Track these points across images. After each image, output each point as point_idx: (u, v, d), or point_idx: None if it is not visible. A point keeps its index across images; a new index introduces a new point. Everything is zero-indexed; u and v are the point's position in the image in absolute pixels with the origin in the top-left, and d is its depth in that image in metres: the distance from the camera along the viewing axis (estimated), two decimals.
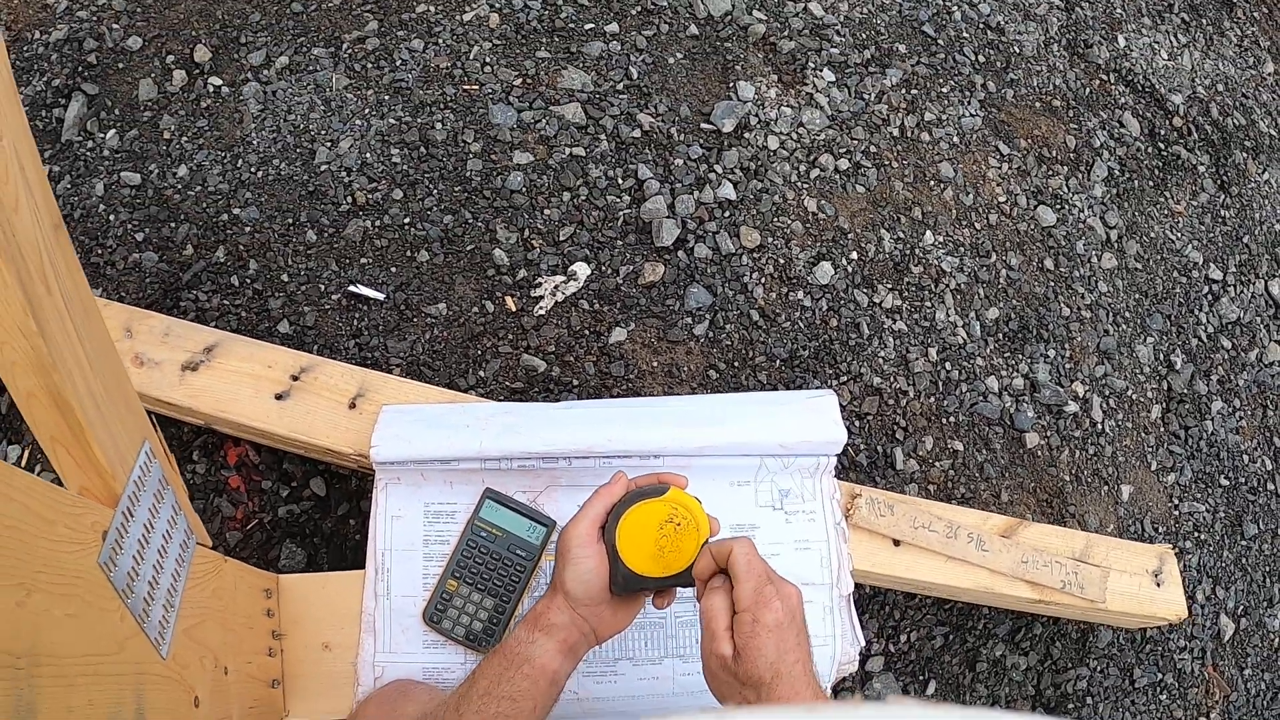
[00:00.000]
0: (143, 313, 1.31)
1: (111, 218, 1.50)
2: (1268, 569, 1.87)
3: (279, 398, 1.27)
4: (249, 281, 1.48)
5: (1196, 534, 1.80)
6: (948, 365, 1.68)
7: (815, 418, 1.21)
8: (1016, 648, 1.63)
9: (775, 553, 1.20)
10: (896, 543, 1.31)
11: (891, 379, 1.63)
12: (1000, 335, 1.74)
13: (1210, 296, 1.96)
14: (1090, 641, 1.69)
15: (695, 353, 1.56)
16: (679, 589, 0.94)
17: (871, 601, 1.52)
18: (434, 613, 1.14)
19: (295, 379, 1.29)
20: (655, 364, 1.54)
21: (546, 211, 1.58)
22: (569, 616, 0.89)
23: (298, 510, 1.38)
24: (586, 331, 1.53)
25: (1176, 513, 1.79)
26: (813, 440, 1.20)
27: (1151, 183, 2.04)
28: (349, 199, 1.53)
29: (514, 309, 1.51)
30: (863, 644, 1.22)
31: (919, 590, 1.38)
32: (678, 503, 0.90)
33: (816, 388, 1.57)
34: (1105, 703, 1.70)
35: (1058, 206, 1.90)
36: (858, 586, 1.28)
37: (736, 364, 1.57)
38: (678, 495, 0.91)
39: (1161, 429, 1.82)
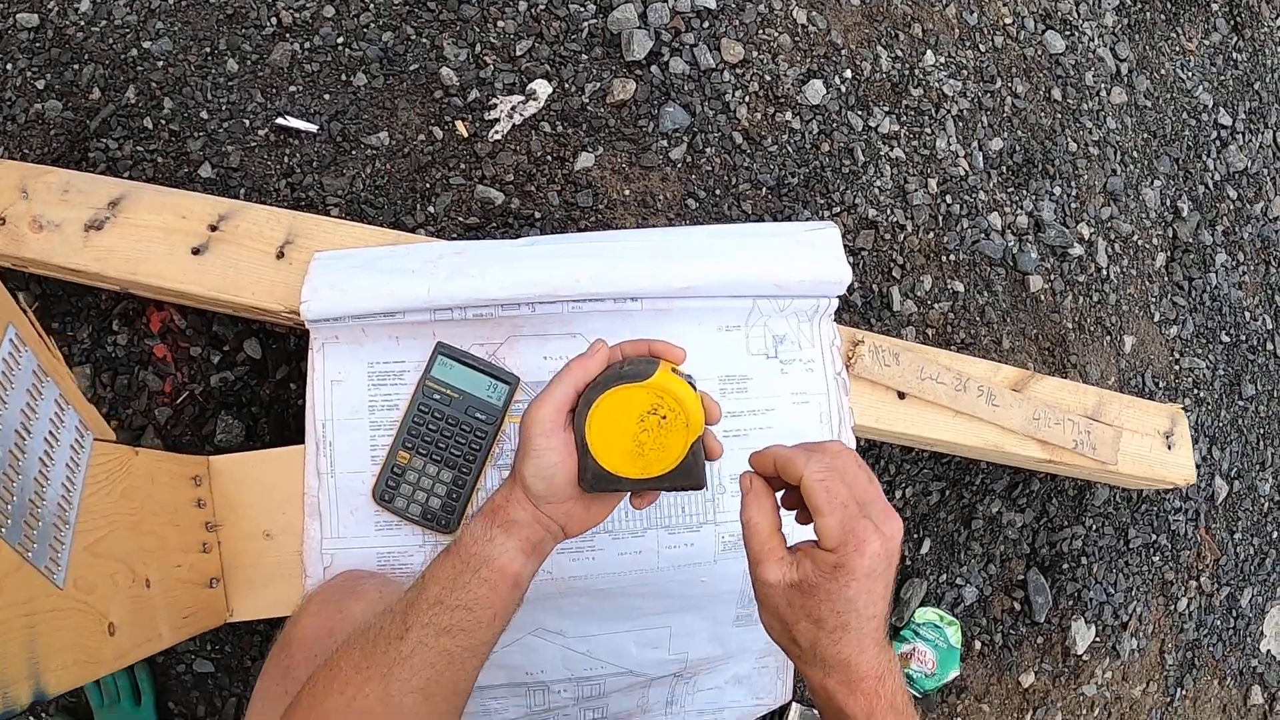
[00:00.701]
0: (38, 169, 1.11)
1: (8, 67, 1.29)
2: (1262, 431, 1.82)
3: (196, 252, 1.08)
4: (164, 123, 1.27)
5: (1196, 391, 1.73)
6: (948, 199, 1.52)
7: (815, 253, 1.05)
8: (1013, 504, 1.55)
9: (770, 407, 1.06)
10: (901, 395, 1.17)
11: (888, 211, 1.47)
12: (1004, 168, 1.58)
13: (1219, 143, 1.83)
14: (1087, 500, 1.61)
15: (672, 179, 1.38)
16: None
17: (866, 454, 1.42)
18: (385, 490, 1.00)
19: (214, 229, 1.10)
20: (627, 192, 1.36)
21: (500, 23, 1.36)
22: (530, 513, 0.74)
23: (232, 378, 1.21)
24: (549, 158, 1.34)
25: (1177, 368, 1.71)
26: (812, 279, 1.04)
27: (1164, 16, 1.86)
28: (273, 20, 1.31)
29: (466, 135, 1.32)
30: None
31: (924, 446, 1.26)
32: (664, 390, 0.71)
33: (808, 219, 1.40)
34: (1099, 563, 1.64)
35: (1067, 33, 1.71)
36: (857, 442, 1.15)
37: (718, 192, 1.40)
38: (665, 380, 0.71)
39: (1165, 279, 1.71)
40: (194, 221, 1.09)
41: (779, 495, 0.72)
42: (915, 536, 1.48)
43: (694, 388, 0.73)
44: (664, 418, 0.72)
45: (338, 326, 1.01)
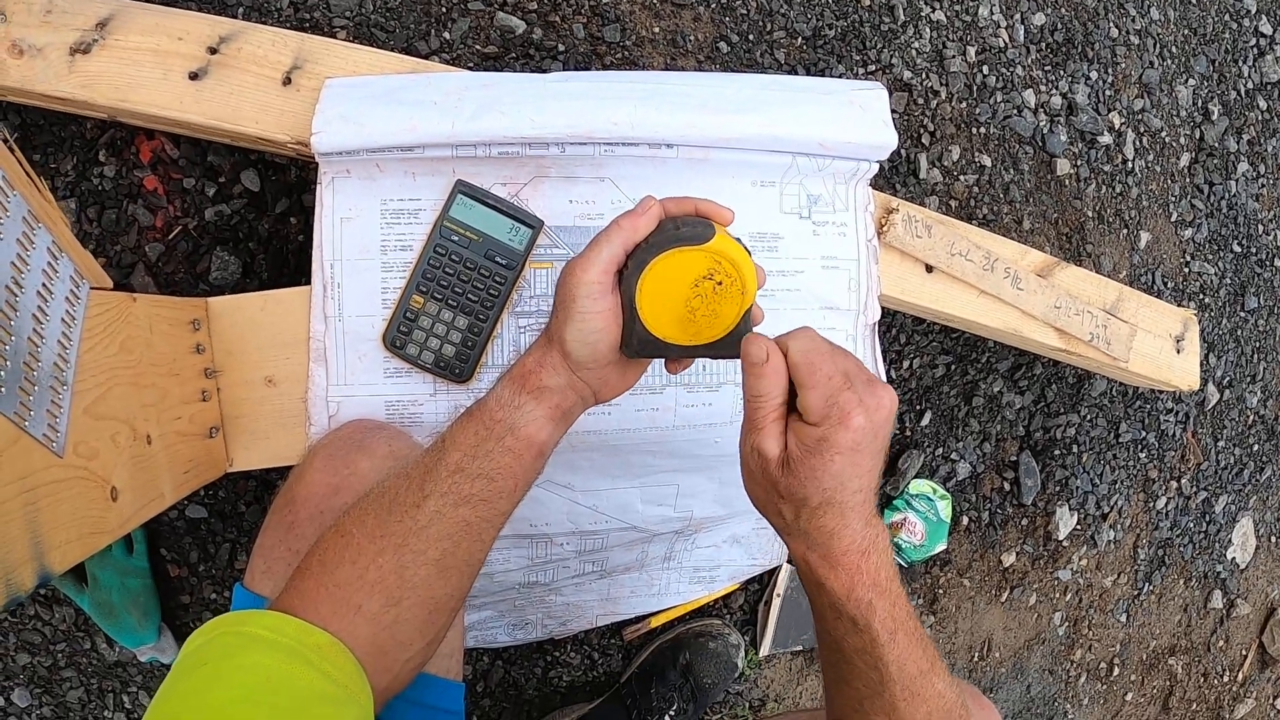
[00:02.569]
0: None
1: None
2: (1259, 345, 1.81)
3: (194, 77, 0.98)
4: None
5: (1201, 296, 1.70)
6: (985, 69, 1.43)
7: (862, 114, 0.97)
8: (1014, 385, 1.54)
9: (799, 269, 1.00)
10: (929, 269, 1.12)
11: (924, 75, 1.39)
12: (1044, 45, 1.49)
13: (1256, 50, 1.74)
14: (1085, 389, 1.60)
15: (704, 20, 1.28)
16: None
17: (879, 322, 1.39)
18: (396, 335, 0.93)
19: (213, 52, 0.99)
20: (657, 30, 1.26)
21: None
22: (566, 379, 0.69)
23: (228, 211, 1.13)
24: None
25: (1187, 270, 1.67)
26: (857, 141, 0.97)
27: None
28: None
29: None
30: (884, 379, 1.06)
31: (944, 322, 1.22)
32: (722, 255, 0.66)
33: (841, 74, 1.31)
34: (1089, 453, 1.64)
35: None
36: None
37: (751, 38, 1.30)
38: (723, 244, 0.66)
39: (1187, 179, 1.65)
40: (191, 44, 0.98)
41: None
42: (917, 408, 1.47)
43: (749, 252, 0.68)
44: (719, 283, 0.67)
45: (350, 160, 0.93)
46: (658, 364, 0.90)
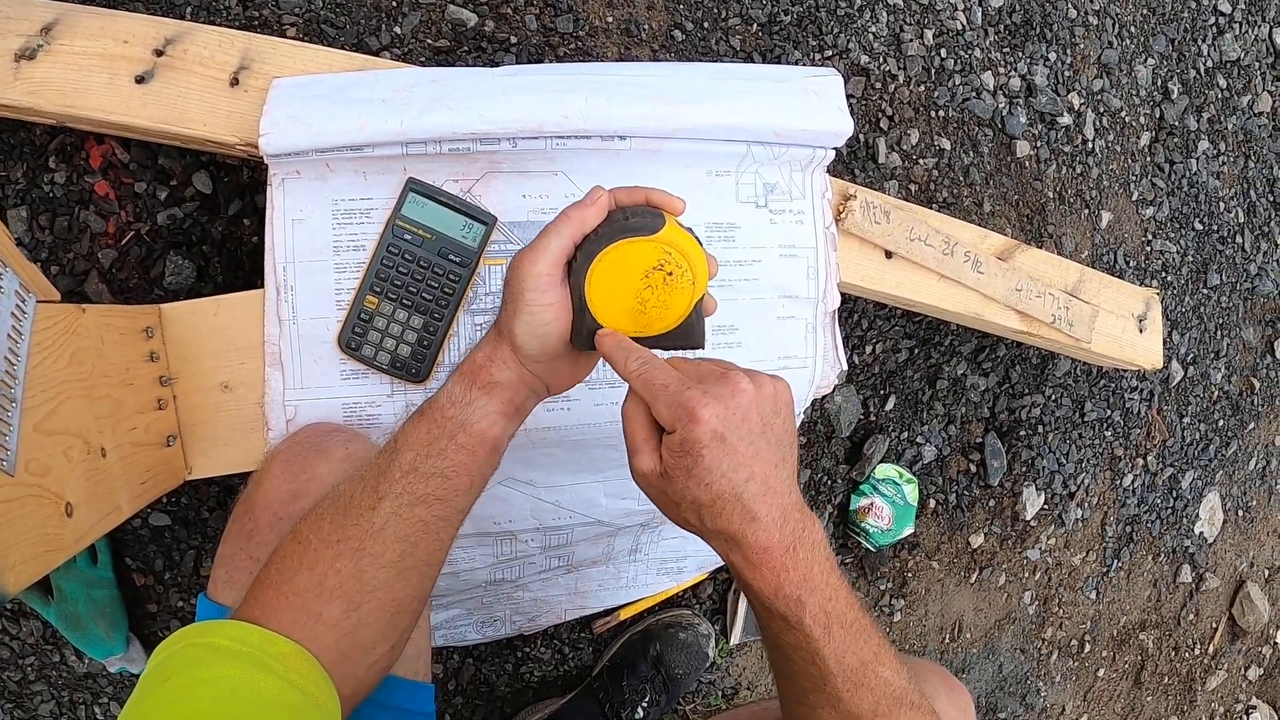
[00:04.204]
0: None
1: None
2: (1221, 321, 1.82)
3: (140, 81, 0.95)
4: None
5: (1164, 274, 1.71)
6: (943, 52, 1.43)
7: (817, 101, 0.96)
8: (978, 368, 1.54)
9: (757, 258, 0.99)
10: (888, 254, 1.11)
11: (881, 60, 1.38)
12: (1002, 27, 1.49)
13: (1215, 29, 1.75)
14: (1049, 369, 1.61)
15: (658, 8, 1.27)
16: None
17: (841, 308, 1.38)
18: (351, 337, 0.91)
19: (159, 54, 0.96)
20: (610, 19, 1.24)
21: None
22: (517, 373, 0.68)
23: (180, 214, 1.10)
24: None
25: (1149, 249, 1.68)
26: (813, 128, 0.96)
27: None
28: None
29: None
30: (844, 366, 1.06)
31: (907, 307, 1.21)
32: (672, 245, 0.65)
33: (798, 61, 1.30)
34: (1055, 432, 1.65)
35: None
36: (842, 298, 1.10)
37: (706, 25, 1.29)
38: (673, 234, 0.65)
39: (1148, 158, 1.66)
40: (137, 46, 0.95)
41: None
42: (881, 393, 1.47)
43: (699, 242, 0.67)
44: (670, 274, 0.66)
45: (300, 161, 0.90)
46: None
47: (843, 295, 1.05)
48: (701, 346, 0.69)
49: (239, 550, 0.79)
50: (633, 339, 0.67)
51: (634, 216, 0.65)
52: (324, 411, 0.92)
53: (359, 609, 0.63)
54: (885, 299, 1.16)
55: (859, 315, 1.40)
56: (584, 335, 0.67)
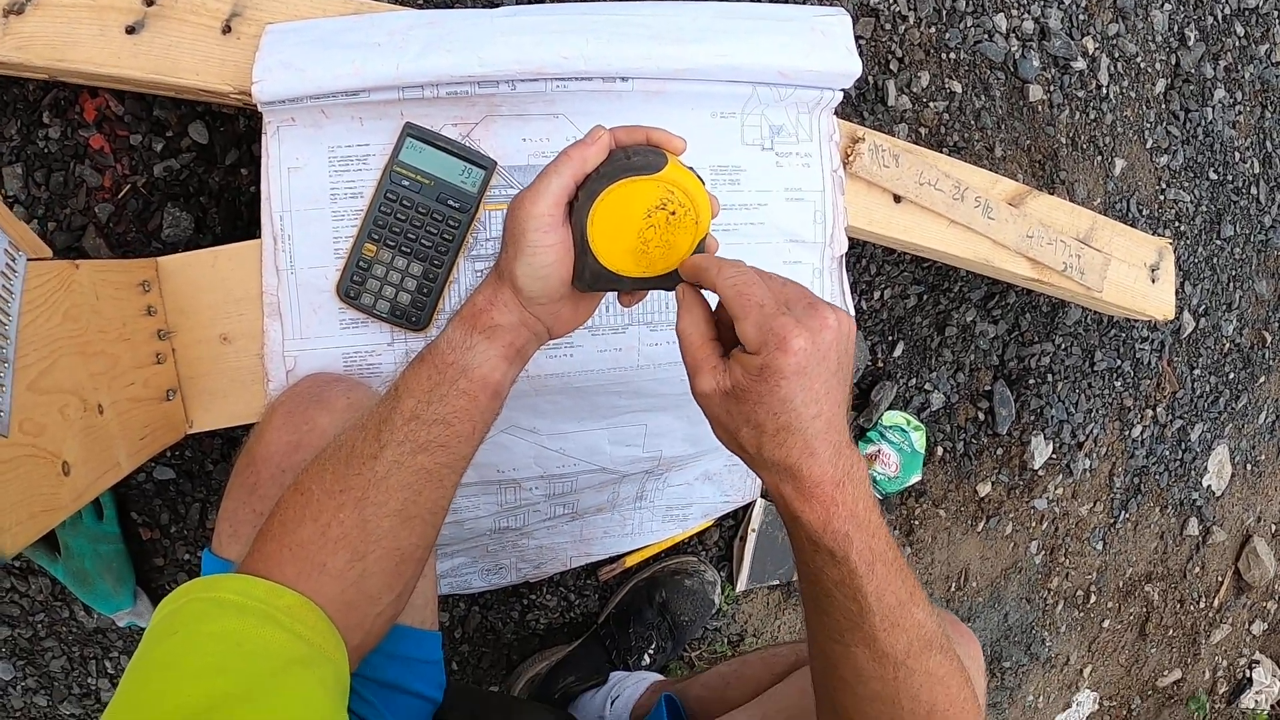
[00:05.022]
0: None
1: None
2: (1234, 273, 1.78)
3: (130, 31, 0.92)
4: None
5: (1177, 223, 1.67)
6: None
7: (824, 41, 0.93)
8: (988, 315, 1.51)
9: (763, 202, 0.96)
10: (897, 199, 1.08)
11: (891, 0, 1.33)
12: None
13: None
14: (1059, 318, 1.58)
15: None
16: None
17: (849, 254, 1.36)
18: (350, 286, 0.89)
19: (150, 3, 0.93)
20: None
21: None
22: (518, 315, 0.67)
23: (177, 166, 1.08)
24: None
25: (1162, 198, 1.64)
26: (820, 69, 0.92)
27: None
28: None
29: None
30: (851, 312, 1.03)
31: (915, 253, 1.18)
32: (675, 184, 0.63)
33: (805, 0, 1.26)
34: (1064, 382, 1.62)
35: None
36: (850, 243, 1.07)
37: None
38: (676, 173, 0.63)
39: (1163, 106, 1.61)
40: None
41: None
42: (890, 339, 1.44)
43: (702, 181, 0.65)
44: (673, 214, 0.64)
45: (294, 108, 0.88)
46: (617, 304, 0.86)
47: (850, 240, 1.03)
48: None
49: (242, 504, 0.79)
50: (634, 279, 0.66)
51: (636, 155, 0.63)
52: (324, 361, 0.90)
53: (364, 559, 0.62)
54: (893, 244, 1.13)
55: (867, 260, 1.37)
56: (586, 276, 0.66)
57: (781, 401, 0.57)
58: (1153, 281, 1.35)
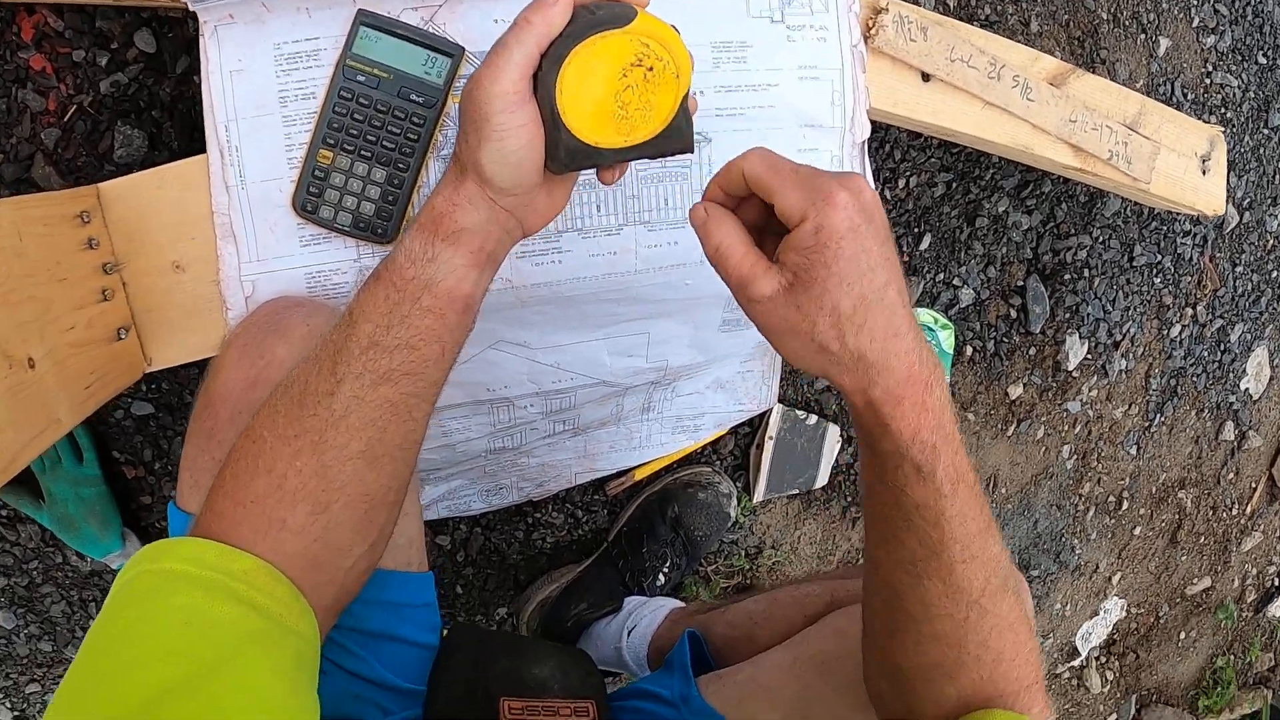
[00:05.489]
0: None
1: None
2: None
3: None
4: None
5: (1223, 110, 1.51)
6: None
7: None
8: (1021, 204, 1.38)
9: (773, 82, 0.84)
10: (925, 77, 0.94)
11: None
12: None
13: None
14: (1097, 209, 1.44)
15: None
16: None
17: (870, 139, 1.25)
18: (306, 198, 0.79)
19: None
20: None
21: None
22: (486, 213, 0.58)
23: (125, 80, 0.96)
24: None
25: (1208, 81, 1.48)
26: None
27: None
28: None
29: None
30: None
31: (945, 137, 1.05)
32: (650, 36, 0.56)
33: None
34: (1101, 277, 1.50)
35: None
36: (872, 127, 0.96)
37: None
38: (650, 24, 0.56)
39: None
40: None
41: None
42: (916, 231, 1.32)
43: (676, 31, 0.57)
44: (650, 69, 0.56)
45: (231, 4, 0.76)
46: (608, 204, 0.75)
47: (873, 124, 0.91)
48: (691, 149, 0.61)
49: (201, 451, 0.70)
50: (615, 150, 0.58)
51: (600, 10, 0.55)
52: (285, 284, 0.81)
53: (327, 510, 0.55)
54: (921, 128, 1.00)
55: (890, 145, 1.23)
56: (561, 155, 0.57)
57: (849, 263, 0.51)
58: (1203, 173, 1.22)
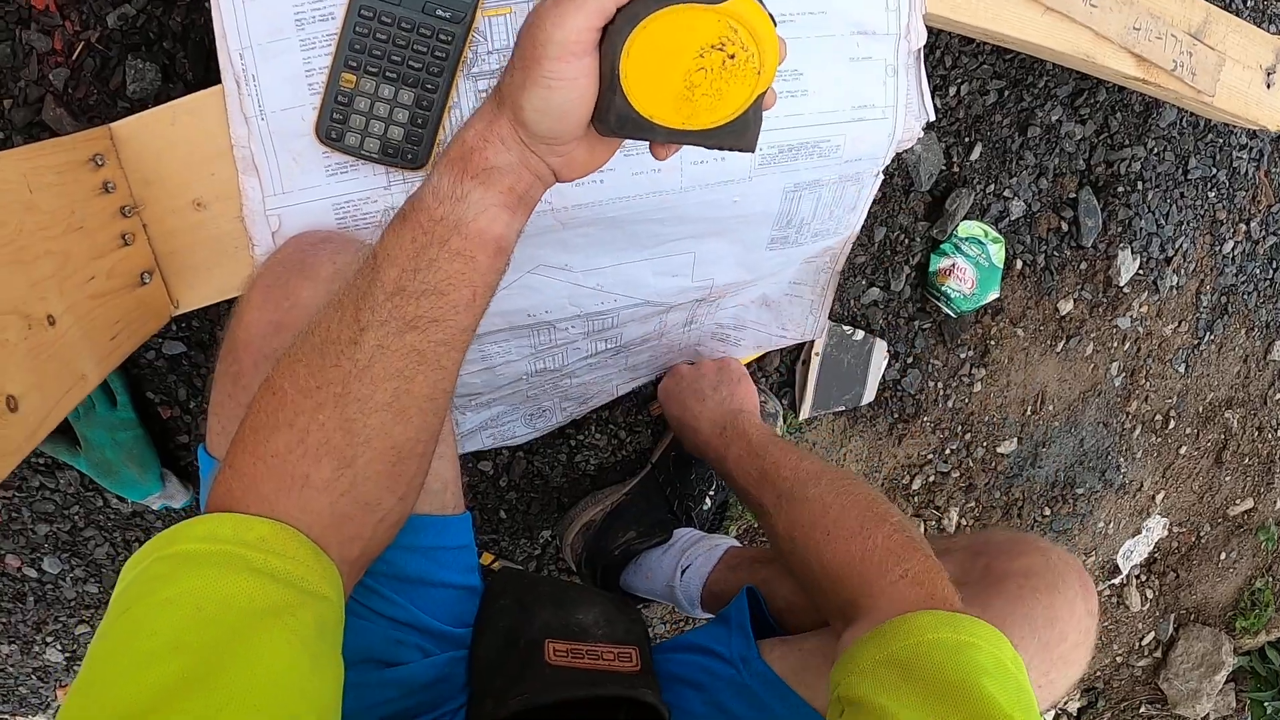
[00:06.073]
0: None
1: None
2: None
3: None
4: None
5: None
6: None
7: None
8: (1075, 113, 1.31)
9: None
10: None
11: None
12: None
13: None
14: (1152, 119, 1.37)
15: None
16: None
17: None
18: (330, 125, 0.74)
19: None
20: None
21: None
22: (518, 154, 0.54)
23: (132, 12, 0.91)
24: None
25: None
26: None
27: None
28: None
29: None
30: (931, 115, 0.86)
31: (1002, 44, 0.99)
32: (740, 20, 0.50)
33: None
34: (1155, 190, 1.43)
35: None
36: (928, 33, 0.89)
37: None
38: (744, 7, 0.50)
39: None
40: None
41: None
42: (966, 141, 1.26)
43: (774, 21, 0.52)
44: (731, 57, 0.51)
45: None
46: (658, 160, 0.70)
47: (927, 30, 0.84)
48: (753, 149, 0.56)
49: (227, 396, 0.68)
50: (669, 130, 0.54)
51: None
52: (312, 216, 0.77)
53: (352, 464, 0.53)
54: (979, 34, 0.94)
55: (941, 51, 1.17)
56: (611, 119, 0.53)
57: None
58: (1268, 87, 1.17)
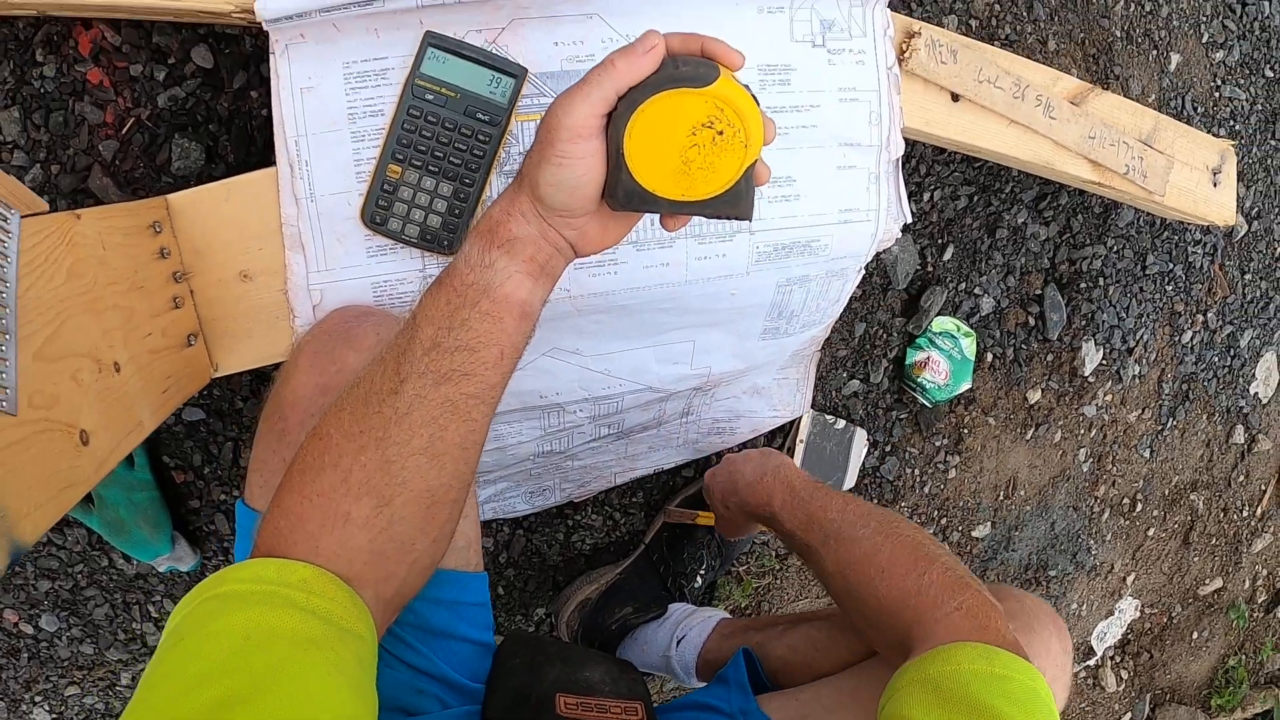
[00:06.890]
0: None
1: None
2: None
3: None
4: None
5: (1232, 122, 1.58)
6: None
7: None
8: (1039, 216, 1.44)
9: (815, 103, 0.89)
10: (955, 97, 1.00)
11: None
12: None
13: None
14: (1111, 219, 1.50)
15: None
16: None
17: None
18: (375, 210, 0.83)
19: None
20: None
21: None
22: (537, 227, 0.61)
23: (182, 94, 1.00)
24: None
25: (1217, 95, 1.54)
26: None
27: None
28: None
29: None
30: (908, 217, 0.97)
31: (973, 154, 1.10)
32: (725, 101, 0.58)
33: None
34: (1116, 286, 1.56)
35: None
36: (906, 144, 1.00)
37: None
38: (728, 89, 0.58)
39: None
40: None
41: None
42: (939, 242, 1.37)
43: (756, 101, 0.59)
44: (720, 133, 0.59)
45: (303, 24, 0.80)
46: (668, 231, 0.80)
47: (905, 141, 0.95)
48: (748, 218, 0.63)
49: (271, 453, 0.75)
50: (672, 201, 0.61)
51: (685, 65, 0.58)
52: (352, 293, 0.85)
53: (390, 504, 0.58)
54: (951, 145, 1.06)
55: (916, 160, 1.29)
56: (619, 194, 0.60)
57: None
58: (1214, 185, 1.29)
